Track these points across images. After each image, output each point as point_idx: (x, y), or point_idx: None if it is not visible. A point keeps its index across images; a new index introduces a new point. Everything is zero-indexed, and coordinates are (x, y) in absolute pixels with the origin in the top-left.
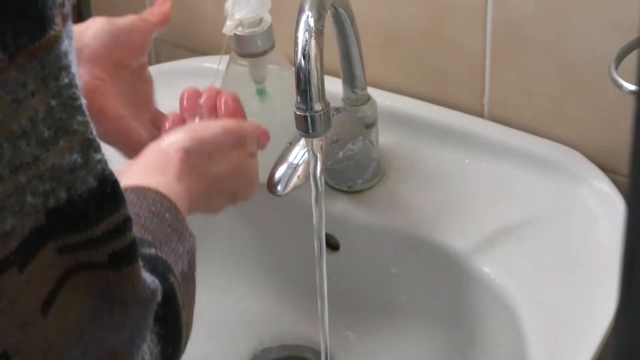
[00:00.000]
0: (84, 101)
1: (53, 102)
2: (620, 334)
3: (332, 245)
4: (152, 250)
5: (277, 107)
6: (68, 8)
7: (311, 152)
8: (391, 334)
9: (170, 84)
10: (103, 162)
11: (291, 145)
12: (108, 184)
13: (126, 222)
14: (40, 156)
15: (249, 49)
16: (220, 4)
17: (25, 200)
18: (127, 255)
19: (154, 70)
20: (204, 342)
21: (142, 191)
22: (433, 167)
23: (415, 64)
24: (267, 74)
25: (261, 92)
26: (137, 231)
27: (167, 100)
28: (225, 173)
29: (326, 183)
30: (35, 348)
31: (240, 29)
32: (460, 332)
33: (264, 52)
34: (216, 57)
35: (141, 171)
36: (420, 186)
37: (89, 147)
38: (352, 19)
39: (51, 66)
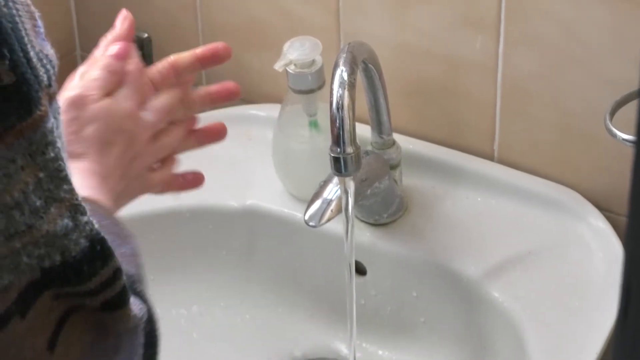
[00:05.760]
0: (69, 171)
1: (41, 175)
2: (618, 352)
3: (360, 271)
4: None
5: (324, 137)
6: (55, 88)
7: (343, 189)
8: (411, 350)
9: None
10: (90, 223)
11: (325, 183)
12: (97, 242)
13: (116, 273)
14: (34, 224)
15: (301, 86)
16: (264, 59)
17: (20, 261)
18: (118, 301)
19: (205, 115)
20: (245, 354)
21: None
22: (449, 204)
23: (435, 113)
24: (319, 108)
25: (314, 125)
26: None
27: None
28: (97, 130)
29: (355, 216)
30: None
31: (293, 67)
32: (472, 349)
33: (313, 90)
34: (261, 105)
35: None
36: (438, 220)
37: (77, 211)
38: (380, 73)
39: (38, 143)
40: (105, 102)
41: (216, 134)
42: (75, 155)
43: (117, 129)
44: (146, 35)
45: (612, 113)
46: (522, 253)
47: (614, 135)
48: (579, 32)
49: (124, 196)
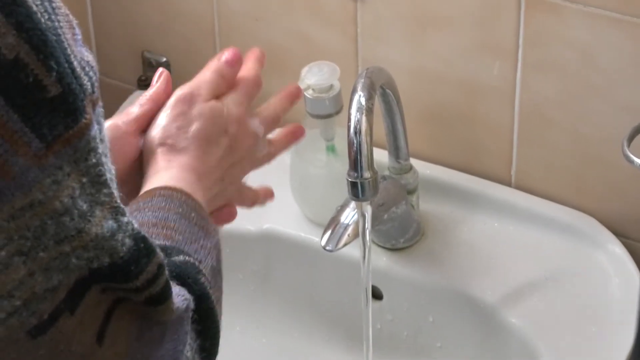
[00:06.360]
0: (108, 175)
1: (84, 180)
2: None
3: (377, 295)
4: (181, 258)
5: (341, 162)
6: (97, 94)
7: (360, 214)
8: None
9: None
10: (131, 222)
11: (342, 207)
12: (140, 240)
13: (160, 269)
14: (83, 228)
15: (318, 110)
16: (282, 84)
17: (69, 262)
18: (161, 296)
19: None
20: None
21: (169, 194)
22: (466, 229)
23: (452, 138)
24: (336, 133)
25: (331, 149)
26: (168, 234)
27: None
28: (200, 128)
29: (372, 241)
30: None
31: (311, 92)
32: None
33: (331, 115)
34: (278, 130)
35: (166, 170)
36: (454, 246)
37: (117, 213)
38: (398, 99)
39: (82, 150)
40: (213, 103)
41: (299, 134)
42: (177, 150)
43: (222, 131)
44: (165, 59)
45: (630, 139)
46: (539, 279)
47: (632, 162)
48: (597, 58)
49: (217, 200)
